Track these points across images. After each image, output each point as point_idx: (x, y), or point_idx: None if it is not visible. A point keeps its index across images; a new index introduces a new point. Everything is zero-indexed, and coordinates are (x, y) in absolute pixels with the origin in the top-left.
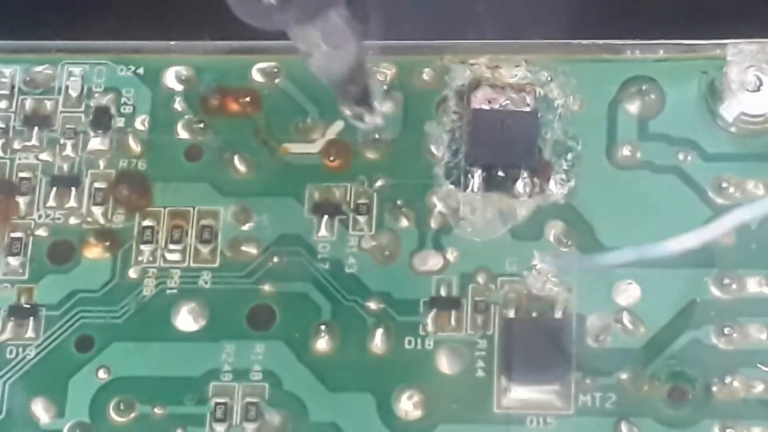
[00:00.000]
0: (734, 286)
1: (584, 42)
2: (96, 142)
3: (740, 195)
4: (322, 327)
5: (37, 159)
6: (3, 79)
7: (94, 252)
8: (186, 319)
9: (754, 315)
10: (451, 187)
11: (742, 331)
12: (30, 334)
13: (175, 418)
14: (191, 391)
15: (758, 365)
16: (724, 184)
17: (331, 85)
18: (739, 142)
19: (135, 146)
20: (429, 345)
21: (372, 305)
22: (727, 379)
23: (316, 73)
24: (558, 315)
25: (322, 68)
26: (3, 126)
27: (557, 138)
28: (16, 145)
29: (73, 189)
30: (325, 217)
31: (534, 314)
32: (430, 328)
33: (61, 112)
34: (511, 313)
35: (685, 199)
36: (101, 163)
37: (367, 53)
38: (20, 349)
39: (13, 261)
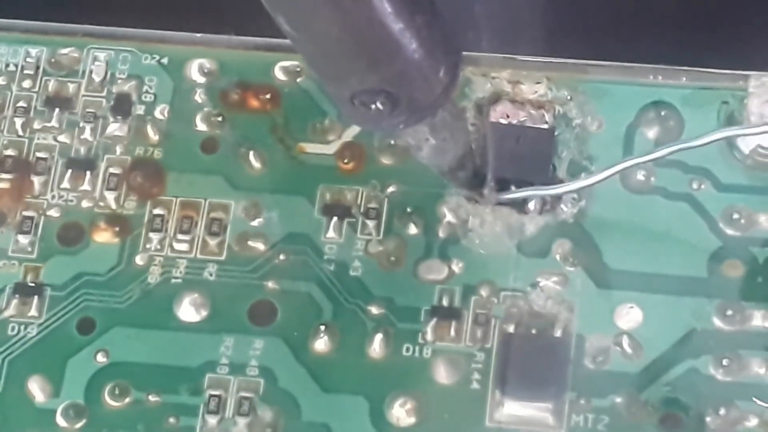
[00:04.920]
0: (737, 317)
1: (607, 63)
2: (114, 128)
3: (750, 227)
4: (322, 327)
5: (56, 140)
6: (28, 59)
7: (103, 236)
8: (188, 310)
9: (755, 348)
10: (462, 198)
11: (741, 364)
12: (33, 312)
13: (169, 407)
14: (187, 381)
15: (754, 399)
16: (735, 216)
17: (441, 173)
18: (754, 174)
19: (153, 135)
20: (427, 353)
21: (373, 310)
22: (722, 411)
23: (426, 163)
24: (557, 333)
25: (431, 159)
26: (24, 105)
27: (573, 157)
28: (36, 125)
29: (88, 172)
30: (335, 218)
31: (534, 331)
32: (429, 336)
33: (83, 95)
34: (511, 328)
35: (694, 227)
36: (118, 149)
37: (474, 140)
38: (22, 327)
39: (23, 239)
